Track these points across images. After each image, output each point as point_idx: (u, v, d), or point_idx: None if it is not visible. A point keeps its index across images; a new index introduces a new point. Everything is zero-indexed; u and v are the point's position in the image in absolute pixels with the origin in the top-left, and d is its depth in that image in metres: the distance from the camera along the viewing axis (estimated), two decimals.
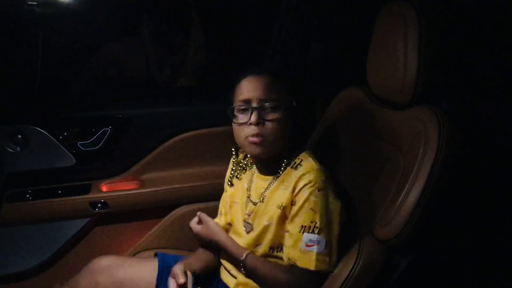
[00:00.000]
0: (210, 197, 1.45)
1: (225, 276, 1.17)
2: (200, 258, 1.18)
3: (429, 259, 1.07)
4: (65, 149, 1.46)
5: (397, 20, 1.05)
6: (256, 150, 1.03)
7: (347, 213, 1.07)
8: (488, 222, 1.66)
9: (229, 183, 1.22)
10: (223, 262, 1.19)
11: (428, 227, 0.98)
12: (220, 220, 1.24)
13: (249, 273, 1.07)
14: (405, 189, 0.97)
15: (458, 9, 1.56)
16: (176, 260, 1.22)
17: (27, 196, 1.45)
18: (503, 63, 1.68)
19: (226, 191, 1.25)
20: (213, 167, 1.50)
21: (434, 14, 1.03)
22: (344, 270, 0.98)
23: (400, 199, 0.97)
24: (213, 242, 1.14)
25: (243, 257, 1.06)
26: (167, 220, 1.52)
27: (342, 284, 0.96)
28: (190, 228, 1.23)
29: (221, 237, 1.13)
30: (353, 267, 0.97)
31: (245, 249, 1.08)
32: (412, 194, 0.96)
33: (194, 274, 1.14)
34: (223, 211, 1.25)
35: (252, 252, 1.07)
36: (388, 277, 1.01)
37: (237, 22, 1.93)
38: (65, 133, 1.46)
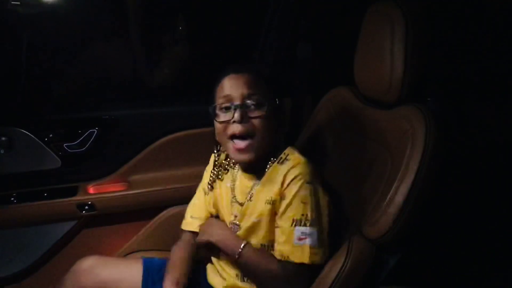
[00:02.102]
0: None
1: (212, 278, 1.16)
2: (184, 270, 1.13)
3: (417, 257, 1.08)
4: (50, 151, 1.45)
5: (384, 20, 1.06)
6: (241, 157, 1.01)
7: (336, 212, 1.07)
8: (475, 219, 1.68)
9: (209, 187, 1.19)
10: (215, 262, 1.18)
11: (416, 225, 0.99)
12: (192, 225, 1.22)
13: (243, 265, 1.05)
14: (392, 188, 0.98)
15: (444, 9, 1.58)
16: (161, 264, 1.19)
17: (12, 199, 1.43)
18: (489, 62, 1.70)
19: (198, 198, 1.23)
20: (201, 168, 1.49)
21: (420, 13, 1.03)
22: (333, 268, 0.98)
23: (388, 198, 0.98)
24: (210, 242, 1.12)
25: (241, 247, 1.04)
26: (155, 222, 1.51)
27: (332, 282, 0.97)
28: (179, 230, 1.22)
29: (217, 234, 1.11)
30: (342, 266, 0.97)
31: (242, 240, 1.06)
32: (399, 193, 0.97)
33: None
34: (196, 215, 1.22)
35: (250, 243, 1.06)
36: (377, 275, 1.02)
37: (224, 22, 1.93)
38: (51, 135, 1.44)
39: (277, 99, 1.04)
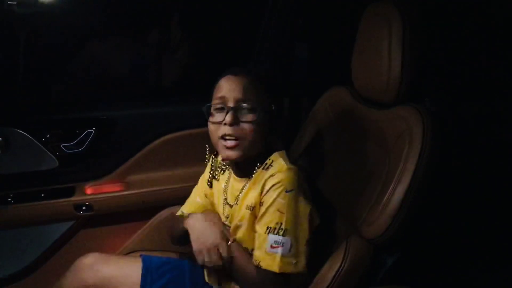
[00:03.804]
0: None
1: (210, 277, 1.16)
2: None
3: (415, 257, 1.08)
4: (48, 152, 1.44)
5: (381, 20, 1.07)
6: (229, 153, 1.00)
7: (332, 213, 1.07)
8: (473, 219, 1.69)
9: (209, 184, 1.20)
10: None
11: (414, 225, 0.99)
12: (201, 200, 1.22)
13: (227, 262, 1.03)
14: (390, 188, 0.98)
15: (442, 9, 1.58)
16: (160, 262, 1.20)
17: (9, 200, 1.42)
18: (486, 63, 1.71)
19: (193, 197, 1.25)
20: (199, 168, 1.49)
21: (418, 14, 1.04)
22: (331, 268, 0.98)
23: (385, 198, 0.98)
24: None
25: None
26: (153, 222, 1.50)
27: (330, 282, 0.97)
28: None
29: (209, 219, 1.09)
30: (340, 266, 0.97)
31: (230, 236, 1.06)
32: (397, 193, 0.97)
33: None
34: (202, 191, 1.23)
35: (237, 241, 1.05)
36: (374, 275, 1.02)
37: (222, 21, 1.93)
38: (48, 135, 1.43)
39: (272, 105, 1.04)
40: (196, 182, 1.27)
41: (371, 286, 1.02)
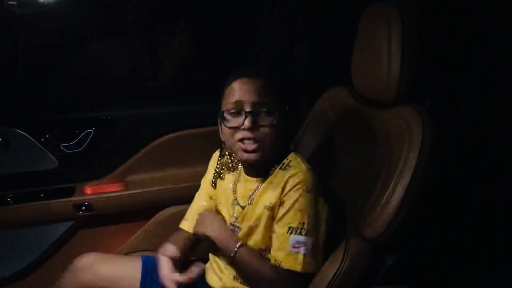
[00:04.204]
0: None
1: (211, 278, 1.16)
2: (178, 246, 1.15)
3: (415, 257, 1.08)
4: (47, 152, 1.44)
5: (381, 20, 1.07)
6: (249, 156, 0.99)
7: (333, 212, 1.07)
8: (473, 219, 1.69)
9: (213, 185, 1.19)
10: (212, 262, 1.18)
11: (413, 225, 0.99)
12: (207, 202, 1.21)
13: (238, 265, 1.04)
14: (390, 188, 0.98)
15: (441, 9, 1.58)
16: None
17: (8, 200, 1.42)
18: (486, 62, 1.71)
19: (198, 200, 1.23)
20: (199, 168, 1.49)
21: (417, 14, 1.04)
22: (331, 268, 0.98)
23: (385, 198, 0.98)
24: (206, 236, 1.11)
25: (236, 247, 1.03)
26: (152, 222, 1.50)
27: (329, 282, 0.97)
28: (177, 229, 1.22)
29: (214, 230, 1.09)
30: (339, 266, 0.97)
31: (239, 239, 1.06)
32: (397, 193, 0.97)
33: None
34: (206, 193, 1.22)
35: (245, 244, 1.05)
36: (374, 275, 1.02)
37: (221, 22, 1.93)
38: (47, 135, 1.43)
39: (287, 106, 1.03)
40: (196, 182, 1.27)
41: (371, 286, 1.02)
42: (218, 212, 1.18)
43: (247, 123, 0.96)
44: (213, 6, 1.87)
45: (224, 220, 1.14)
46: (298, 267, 0.98)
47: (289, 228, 0.98)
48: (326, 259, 1.02)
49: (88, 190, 1.50)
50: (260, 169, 1.06)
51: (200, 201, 1.23)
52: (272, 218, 1.03)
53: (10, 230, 1.45)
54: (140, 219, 1.53)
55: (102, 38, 1.84)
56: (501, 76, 1.70)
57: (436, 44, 1.58)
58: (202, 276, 1.18)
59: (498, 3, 1.62)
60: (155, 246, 1.44)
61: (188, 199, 1.26)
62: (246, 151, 0.99)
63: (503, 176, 1.67)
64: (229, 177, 1.15)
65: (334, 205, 1.10)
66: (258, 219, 1.04)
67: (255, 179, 1.08)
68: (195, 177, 1.28)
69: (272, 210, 1.02)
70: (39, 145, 1.43)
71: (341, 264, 0.97)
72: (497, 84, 1.73)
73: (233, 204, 1.11)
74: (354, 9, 1.20)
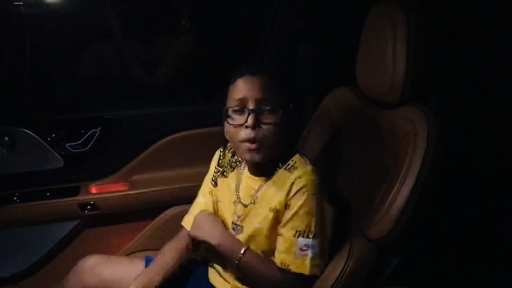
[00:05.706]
0: None
1: (214, 278, 1.15)
2: (163, 271, 1.12)
3: (419, 258, 1.08)
4: (53, 151, 1.45)
5: (386, 21, 1.06)
6: (254, 156, 0.99)
7: (337, 213, 1.07)
8: (478, 220, 1.68)
9: (213, 183, 1.18)
10: (213, 263, 1.17)
11: (418, 226, 0.99)
12: (205, 198, 1.20)
13: (244, 270, 1.03)
14: (394, 189, 0.98)
15: (447, 9, 1.58)
16: None
17: (15, 199, 1.43)
18: (491, 62, 1.70)
19: (201, 197, 1.22)
20: (204, 168, 1.50)
21: (422, 14, 1.03)
22: (335, 269, 0.98)
23: (389, 198, 0.98)
24: (207, 243, 1.10)
25: (241, 252, 1.02)
26: (157, 221, 1.51)
27: (334, 283, 0.97)
28: (181, 229, 1.22)
29: (215, 237, 1.07)
30: (344, 267, 0.97)
31: (242, 243, 1.04)
32: (401, 193, 0.97)
33: None
34: (206, 190, 1.21)
35: (249, 248, 1.04)
36: (379, 276, 1.02)
37: (226, 21, 1.93)
38: (53, 135, 1.44)
39: (291, 105, 1.03)
40: (200, 182, 1.27)
41: (375, 287, 1.02)
42: (215, 212, 1.18)
43: (249, 121, 0.96)
44: (217, 6, 1.87)
45: (223, 222, 1.13)
46: (306, 270, 0.97)
47: (296, 231, 0.98)
48: (331, 260, 1.02)
49: (93, 189, 1.50)
50: (264, 168, 1.06)
51: (199, 198, 1.23)
52: (276, 220, 1.02)
53: (16, 229, 1.46)
54: (145, 219, 1.54)
55: (107, 38, 1.84)
56: (508, 76, 1.69)
57: (442, 44, 1.57)
58: (205, 277, 1.19)
59: (504, 3, 1.61)
60: (160, 245, 1.45)
61: (192, 199, 1.26)
62: (249, 150, 0.98)
63: (510, 178, 1.66)
64: (232, 176, 1.14)
65: (339, 205, 1.10)
66: (262, 220, 1.03)
67: (258, 178, 1.07)
68: (200, 177, 1.28)
69: (277, 213, 1.01)
70: (45, 144, 1.43)
71: (345, 265, 0.97)
72: (505, 85, 1.72)
73: (235, 203, 1.11)
74: (359, 9, 1.20)
